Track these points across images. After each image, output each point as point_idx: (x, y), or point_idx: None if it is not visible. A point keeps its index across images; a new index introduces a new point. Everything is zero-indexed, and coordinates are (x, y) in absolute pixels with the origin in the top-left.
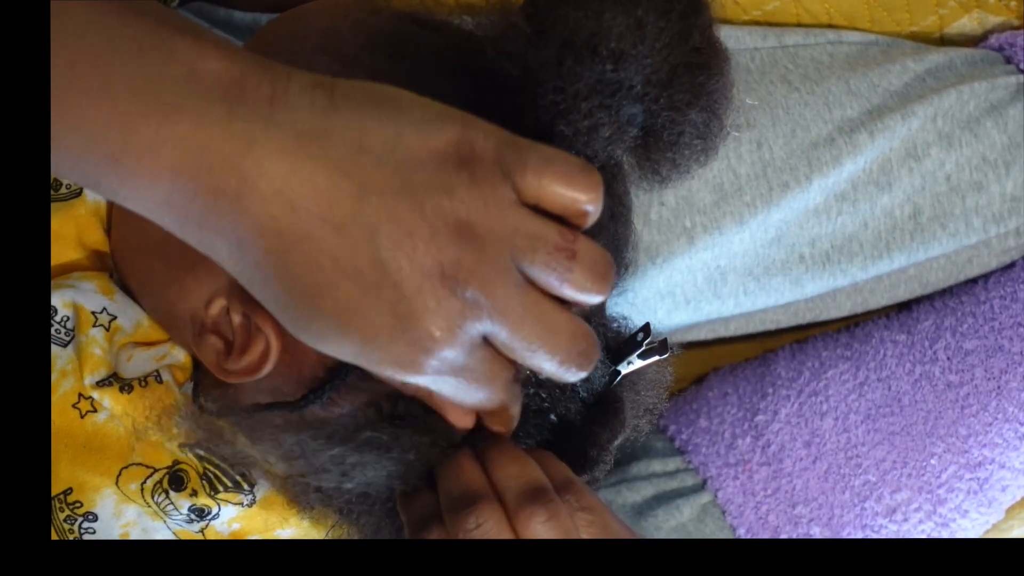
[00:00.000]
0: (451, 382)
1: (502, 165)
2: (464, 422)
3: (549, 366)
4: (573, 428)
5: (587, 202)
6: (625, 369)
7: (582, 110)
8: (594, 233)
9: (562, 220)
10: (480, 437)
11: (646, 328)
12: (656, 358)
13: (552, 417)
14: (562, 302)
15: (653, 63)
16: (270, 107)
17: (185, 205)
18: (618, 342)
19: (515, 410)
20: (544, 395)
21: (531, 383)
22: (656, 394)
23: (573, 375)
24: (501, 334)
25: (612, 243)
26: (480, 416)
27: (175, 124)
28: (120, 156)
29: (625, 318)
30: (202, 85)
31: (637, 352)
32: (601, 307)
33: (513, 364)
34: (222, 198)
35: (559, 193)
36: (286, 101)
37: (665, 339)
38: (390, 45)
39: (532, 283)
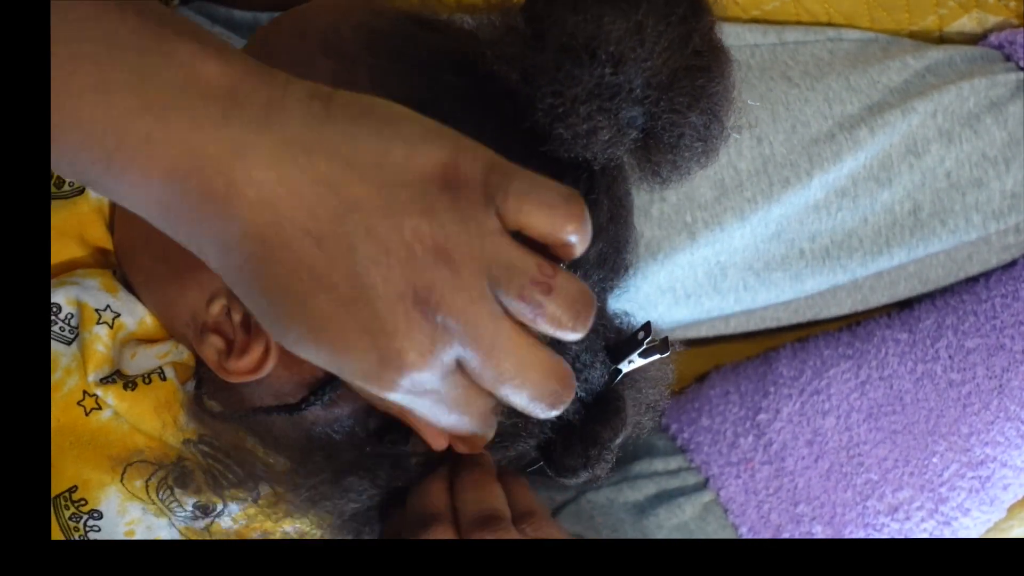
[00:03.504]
0: (424, 403)
1: (487, 190)
2: (438, 443)
3: (519, 400)
4: (574, 427)
5: (570, 233)
6: (626, 368)
7: (580, 113)
8: (592, 237)
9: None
10: (459, 456)
11: (647, 327)
12: (657, 356)
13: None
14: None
15: (653, 66)
16: (265, 114)
17: (175, 206)
18: (619, 340)
19: (487, 437)
20: None
21: None
22: (658, 391)
23: (543, 412)
24: (473, 362)
25: (611, 244)
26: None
27: (168, 126)
28: (114, 155)
29: (628, 315)
30: (198, 88)
31: (638, 351)
32: (601, 307)
33: (490, 394)
34: (210, 202)
35: (541, 223)
36: (282, 109)
37: (666, 337)
38: (391, 46)
39: (509, 314)
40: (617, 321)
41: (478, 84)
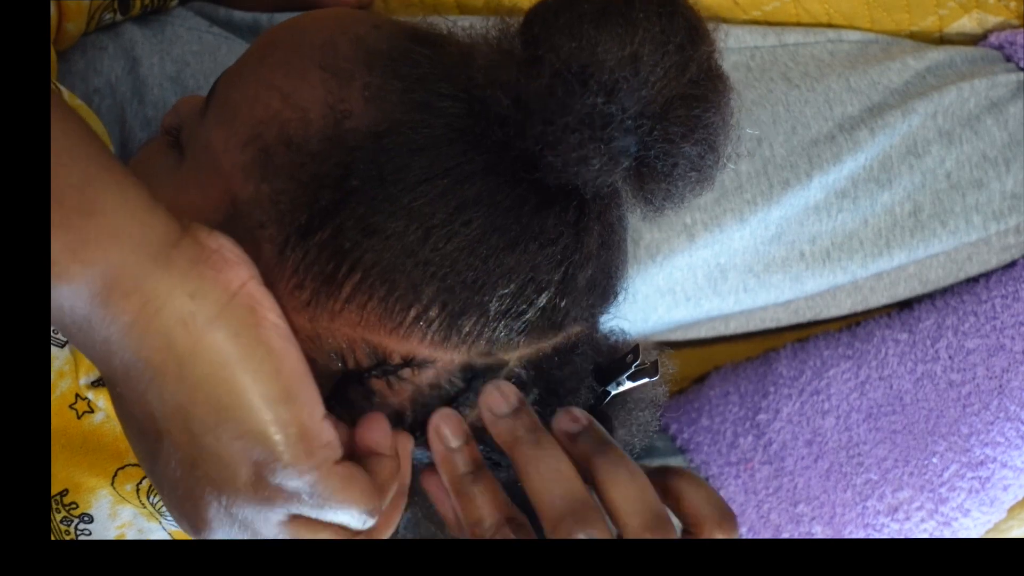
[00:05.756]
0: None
1: (287, 505)
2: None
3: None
4: None
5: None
6: (614, 390)
7: (571, 142)
8: (582, 263)
9: None
10: None
11: (635, 350)
12: (646, 380)
13: None
14: None
15: (647, 96)
16: (129, 325)
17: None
18: (609, 362)
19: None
20: None
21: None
22: (649, 413)
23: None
24: None
25: (602, 271)
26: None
27: (56, 308)
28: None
29: (624, 332)
30: (74, 282)
31: (626, 374)
32: (593, 326)
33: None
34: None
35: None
36: (145, 328)
37: (656, 361)
38: (386, 64)
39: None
40: (612, 339)
41: (471, 107)
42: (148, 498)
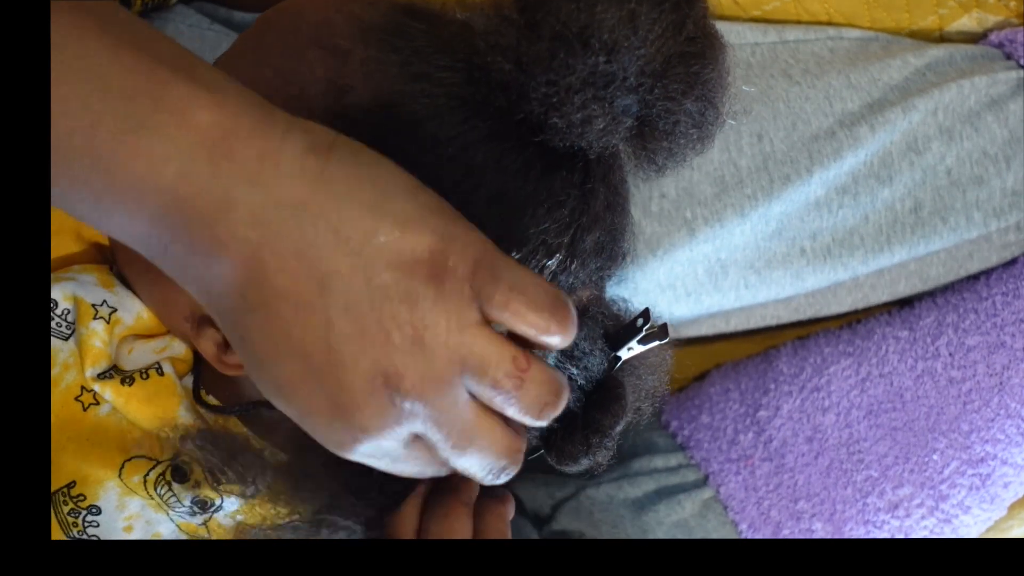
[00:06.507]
0: (384, 463)
1: (472, 285)
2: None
3: (469, 469)
4: (575, 415)
5: (554, 335)
6: (625, 355)
7: (575, 103)
8: (590, 225)
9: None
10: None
11: (645, 313)
12: (656, 343)
13: None
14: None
15: (647, 54)
16: (257, 168)
17: (162, 249)
18: (618, 327)
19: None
20: None
21: None
22: (658, 378)
23: (487, 481)
24: (433, 438)
25: (608, 233)
26: None
27: (156, 175)
28: (102, 197)
29: (626, 301)
30: (189, 136)
31: (637, 338)
32: (599, 295)
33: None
34: (194, 253)
35: (525, 326)
36: (275, 164)
37: (665, 324)
38: (383, 38)
39: (475, 398)
40: (615, 307)
41: (471, 75)
42: (155, 489)
